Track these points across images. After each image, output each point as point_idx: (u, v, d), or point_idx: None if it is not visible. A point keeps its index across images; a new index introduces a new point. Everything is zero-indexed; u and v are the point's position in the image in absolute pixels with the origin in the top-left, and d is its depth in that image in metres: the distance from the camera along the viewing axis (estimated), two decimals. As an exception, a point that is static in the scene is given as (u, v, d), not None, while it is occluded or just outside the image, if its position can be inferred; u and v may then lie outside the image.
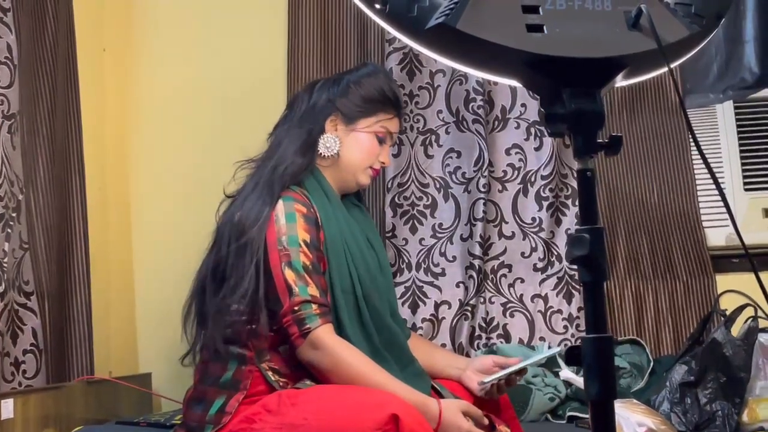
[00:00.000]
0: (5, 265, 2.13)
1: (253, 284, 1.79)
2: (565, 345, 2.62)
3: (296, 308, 1.76)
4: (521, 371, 1.97)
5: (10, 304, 2.16)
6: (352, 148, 2.00)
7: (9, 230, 2.16)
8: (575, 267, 1.53)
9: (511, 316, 2.67)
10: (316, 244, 1.84)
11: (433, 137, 2.76)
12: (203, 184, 2.35)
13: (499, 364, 2.01)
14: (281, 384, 1.80)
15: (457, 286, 2.69)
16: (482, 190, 2.68)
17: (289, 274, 1.78)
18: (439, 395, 1.92)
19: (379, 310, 1.92)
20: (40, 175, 2.34)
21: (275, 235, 1.82)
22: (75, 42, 2.52)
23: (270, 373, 1.81)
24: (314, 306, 1.77)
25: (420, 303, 2.68)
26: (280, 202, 1.85)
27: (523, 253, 2.70)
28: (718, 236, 2.71)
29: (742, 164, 2.78)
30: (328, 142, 1.98)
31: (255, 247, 1.80)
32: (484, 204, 2.68)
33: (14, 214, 2.20)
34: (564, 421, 2.34)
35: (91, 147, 2.69)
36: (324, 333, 1.76)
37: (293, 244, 1.81)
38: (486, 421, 1.82)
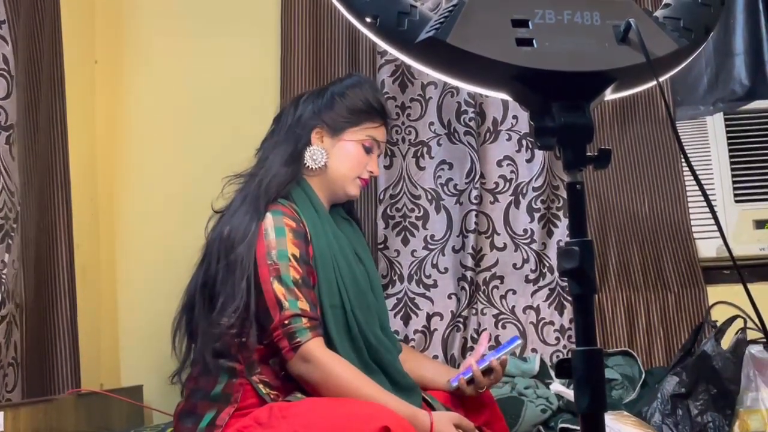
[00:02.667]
0: (4, 276, 2.13)
1: (245, 300, 1.78)
2: (557, 356, 2.62)
3: (286, 322, 1.76)
4: (488, 370, 1.96)
5: (8, 316, 2.15)
6: (339, 159, 2.00)
7: (9, 241, 2.16)
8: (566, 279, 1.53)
9: (503, 327, 2.67)
10: (305, 258, 1.84)
11: (425, 149, 2.76)
12: (193, 196, 2.35)
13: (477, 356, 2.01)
14: (272, 396, 1.80)
15: (449, 297, 2.69)
16: (474, 201, 2.69)
17: (279, 289, 1.78)
18: (430, 408, 1.91)
19: (368, 324, 1.92)
20: (25, 187, 2.34)
21: (264, 249, 1.82)
22: (62, 53, 2.51)
23: (261, 386, 1.81)
24: (304, 320, 1.77)
25: (412, 315, 2.68)
26: (269, 217, 1.85)
27: (514, 265, 2.71)
28: (709, 248, 2.72)
29: (733, 176, 2.79)
30: (314, 155, 1.98)
31: (245, 263, 1.80)
32: (476, 216, 2.68)
33: (14, 225, 2.19)
34: (556, 433, 2.34)
35: (82, 159, 2.68)
36: (314, 346, 1.76)
37: (283, 258, 1.81)
38: None
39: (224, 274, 1.83)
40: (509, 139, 2.74)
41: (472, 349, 2.64)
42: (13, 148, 2.20)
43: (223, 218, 1.94)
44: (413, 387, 1.95)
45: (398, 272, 2.70)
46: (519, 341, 2.03)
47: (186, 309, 1.93)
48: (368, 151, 2.03)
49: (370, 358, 1.89)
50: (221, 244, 1.86)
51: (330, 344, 1.82)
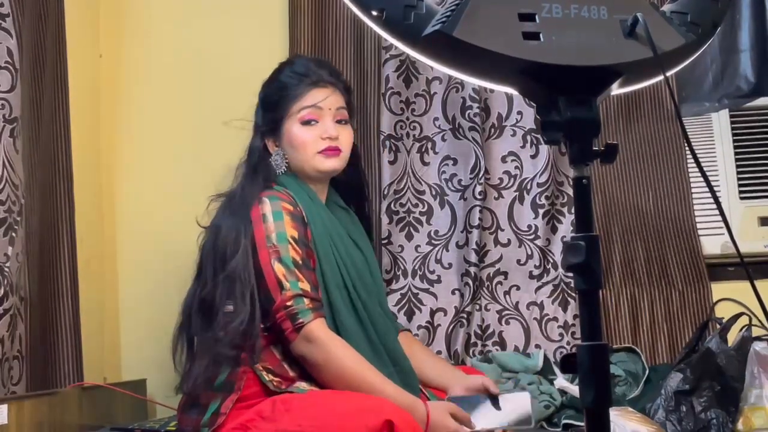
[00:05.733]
0: (6, 269, 2.13)
1: (248, 315, 1.78)
2: (561, 352, 2.62)
3: (288, 303, 1.77)
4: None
5: (12, 309, 2.15)
6: (290, 149, 1.99)
7: (13, 234, 2.15)
8: (571, 274, 1.53)
9: (507, 323, 2.67)
10: (304, 240, 1.85)
11: (429, 144, 2.76)
12: (197, 191, 2.34)
13: (487, 388, 1.98)
14: (275, 384, 1.80)
15: (453, 293, 2.69)
16: (478, 197, 2.68)
17: (279, 270, 1.79)
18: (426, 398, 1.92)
19: (370, 303, 1.92)
20: (29, 180, 2.34)
21: (263, 233, 1.83)
22: (66, 47, 2.51)
23: (264, 373, 1.81)
24: (306, 300, 1.77)
25: (415, 310, 2.68)
26: (266, 202, 1.87)
27: (518, 261, 2.70)
28: (713, 244, 2.71)
29: (738, 173, 2.78)
30: (275, 161, 1.99)
31: (243, 276, 1.80)
32: (480, 211, 2.68)
33: (18, 218, 2.19)
34: (559, 429, 2.33)
35: (85, 152, 2.68)
36: (317, 327, 1.77)
37: (282, 240, 1.82)
38: (474, 425, 1.82)
39: (222, 290, 1.82)
40: (514, 134, 2.74)
41: (475, 345, 2.64)
42: (17, 141, 2.20)
43: (210, 233, 1.94)
44: (412, 372, 1.96)
45: (402, 267, 2.70)
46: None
47: (184, 327, 1.93)
48: (309, 122, 1.98)
49: (377, 336, 1.90)
50: (215, 259, 1.87)
51: (339, 325, 1.83)
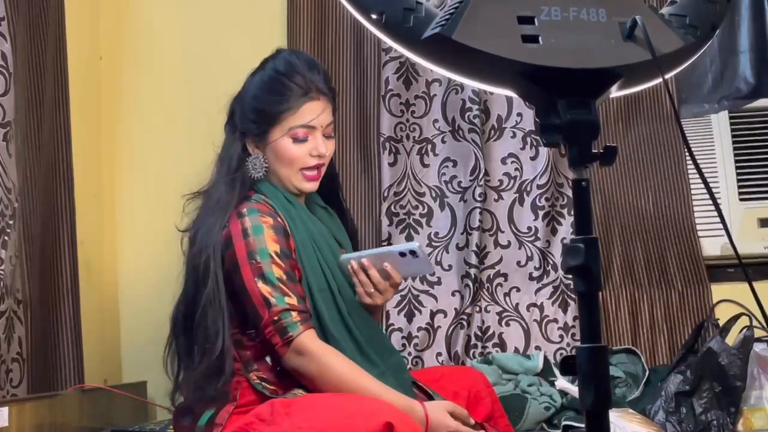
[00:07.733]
0: (1, 272, 2.13)
1: (222, 340, 1.77)
2: (561, 354, 2.62)
3: (276, 318, 1.76)
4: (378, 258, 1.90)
5: (8, 312, 2.16)
6: (275, 160, 1.92)
7: (6, 238, 2.16)
8: (571, 276, 1.53)
9: (507, 325, 2.67)
10: (287, 252, 1.83)
11: (429, 146, 2.76)
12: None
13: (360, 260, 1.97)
14: (270, 390, 1.80)
15: (453, 294, 2.69)
16: (478, 199, 2.69)
17: (264, 287, 1.77)
18: (429, 398, 1.92)
19: (355, 303, 1.92)
20: (28, 183, 2.34)
21: (245, 249, 1.80)
22: (65, 50, 2.52)
23: (258, 383, 1.81)
24: (294, 314, 1.76)
25: (416, 312, 2.68)
26: (246, 216, 1.83)
27: (518, 262, 2.71)
28: (713, 246, 2.71)
29: (737, 174, 2.79)
30: (254, 164, 1.93)
31: (215, 304, 1.79)
32: (480, 213, 2.68)
33: (11, 222, 2.19)
34: (559, 431, 2.34)
35: (85, 155, 2.69)
36: (307, 339, 1.76)
37: (264, 256, 1.79)
38: (472, 422, 1.81)
39: (202, 308, 1.82)
40: (513, 136, 2.74)
41: (475, 347, 2.65)
42: (11, 144, 2.20)
43: (189, 245, 1.92)
44: (403, 367, 1.95)
45: (402, 269, 2.70)
46: (416, 245, 1.89)
47: (174, 335, 1.92)
48: (302, 140, 1.91)
49: (362, 336, 1.89)
50: (195, 269, 1.85)
51: (323, 327, 1.82)
